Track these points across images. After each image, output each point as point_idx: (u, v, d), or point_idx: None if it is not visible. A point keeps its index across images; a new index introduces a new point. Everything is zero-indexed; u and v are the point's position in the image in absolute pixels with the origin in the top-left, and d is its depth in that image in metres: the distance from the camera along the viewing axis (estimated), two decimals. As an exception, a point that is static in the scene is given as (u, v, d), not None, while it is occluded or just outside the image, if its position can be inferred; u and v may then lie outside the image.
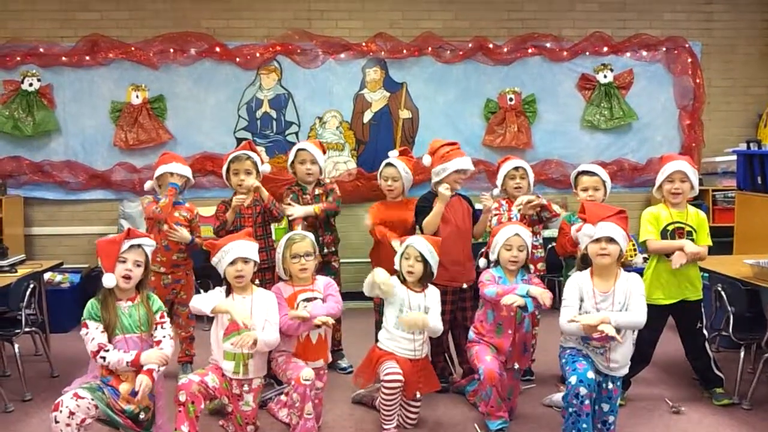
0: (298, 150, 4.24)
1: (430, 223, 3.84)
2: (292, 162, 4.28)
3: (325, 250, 4.25)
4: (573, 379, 2.98)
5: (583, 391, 2.95)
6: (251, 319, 3.12)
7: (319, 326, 3.31)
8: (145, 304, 3.02)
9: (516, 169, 4.08)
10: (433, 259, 3.43)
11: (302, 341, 3.35)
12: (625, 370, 3.19)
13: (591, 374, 3.00)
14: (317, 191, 4.28)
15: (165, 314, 3.09)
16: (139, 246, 2.99)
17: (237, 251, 3.27)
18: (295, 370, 3.18)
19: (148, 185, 4.25)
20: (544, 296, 3.25)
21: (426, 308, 3.42)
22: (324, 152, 4.38)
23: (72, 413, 2.69)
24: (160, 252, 4.01)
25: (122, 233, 3.00)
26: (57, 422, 2.68)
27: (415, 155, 6.05)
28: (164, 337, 3.00)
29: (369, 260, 4.26)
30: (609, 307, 3.08)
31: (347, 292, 4.44)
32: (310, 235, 3.54)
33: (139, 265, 2.97)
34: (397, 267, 3.49)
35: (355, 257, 4.59)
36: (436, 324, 3.40)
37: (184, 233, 4.07)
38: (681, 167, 3.65)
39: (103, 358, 2.84)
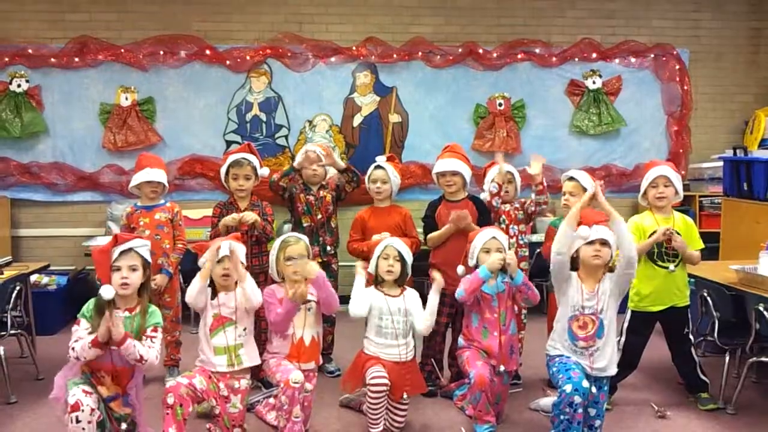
0: (306, 151, 4.25)
1: (433, 240, 4.00)
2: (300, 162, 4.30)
3: (328, 249, 4.32)
4: (568, 388, 2.98)
5: (577, 399, 2.96)
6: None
7: (306, 302, 3.35)
8: (142, 318, 2.94)
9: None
10: (410, 259, 3.51)
11: (296, 343, 3.36)
12: (612, 371, 3.21)
13: (586, 383, 3.02)
14: (322, 193, 4.32)
15: (159, 329, 2.99)
16: (130, 249, 2.93)
17: (223, 250, 3.26)
18: (284, 372, 3.18)
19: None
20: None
21: (407, 311, 3.44)
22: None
23: (93, 410, 2.70)
24: None
25: (110, 241, 2.93)
26: (78, 422, 2.66)
27: (404, 159, 6.16)
28: (149, 347, 2.90)
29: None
30: (593, 305, 3.14)
31: (339, 296, 4.44)
32: (304, 238, 3.56)
33: (134, 270, 2.91)
34: (372, 269, 3.52)
35: (345, 261, 4.57)
36: (421, 326, 3.45)
37: (159, 280, 4.02)
38: (664, 172, 3.69)
39: (73, 348, 2.80)
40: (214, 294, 3.29)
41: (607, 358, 3.17)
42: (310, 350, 3.40)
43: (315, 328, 3.44)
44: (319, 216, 4.27)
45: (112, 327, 2.74)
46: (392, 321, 3.41)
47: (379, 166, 4.18)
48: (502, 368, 3.44)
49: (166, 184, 4.21)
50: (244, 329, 3.27)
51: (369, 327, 3.47)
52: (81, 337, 2.83)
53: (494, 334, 3.44)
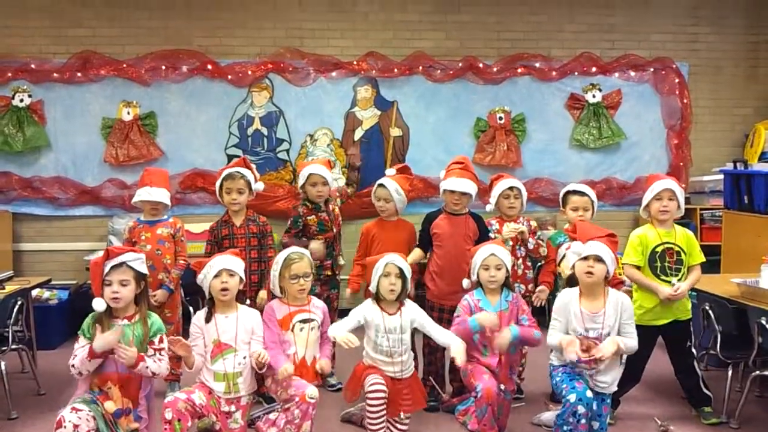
0: (310, 174, 4.22)
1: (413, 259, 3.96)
2: (303, 184, 4.29)
3: (341, 261, 4.42)
4: (572, 398, 2.98)
5: (581, 409, 2.96)
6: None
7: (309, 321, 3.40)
8: (143, 325, 2.97)
9: (510, 188, 4.08)
10: (409, 274, 3.48)
11: (298, 363, 3.33)
12: (614, 388, 3.21)
13: (590, 393, 3.01)
14: (331, 206, 4.37)
15: (164, 338, 3.03)
16: (122, 264, 2.93)
17: (221, 263, 3.25)
18: (299, 387, 3.16)
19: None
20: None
21: (402, 328, 3.41)
22: (331, 169, 4.40)
23: (76, 426, 2.69)
24: None
25: (103, 254, 2.94)
26: None
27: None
28: (159, 359, 2.96)
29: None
30: (599, 328, 3.10)
31: (340, 309, 4.44)
32: (307, 253, 3.55)
33: (125, 284, 2.92)
34: (373, 288, 3.45)
35: (346, 274, 4.58)
36: (440, 339, 3.44)
37: (159, 296, 3.98)
38: (669, 185, 3.69)
39: (73, 366, 2.83)
40: (211, 315, 3.27)
41: (609, 379, 3.16)
42: (312, 369, 3.37)
43: (317, 347, 3.43)
44: (334, 230, 4.31)
45: (123, 354, 2.80)
46: (387, 339, 3.39)
47: (381, 184, 4.14)
48: (502, 386, 3.43)
49: (168, 203, 4.20)
50: (244, 357, 3.24)
51: (366, 342, 3.44)
52: (78, 354, 2.86)
53: (495, 352, 3.43)
